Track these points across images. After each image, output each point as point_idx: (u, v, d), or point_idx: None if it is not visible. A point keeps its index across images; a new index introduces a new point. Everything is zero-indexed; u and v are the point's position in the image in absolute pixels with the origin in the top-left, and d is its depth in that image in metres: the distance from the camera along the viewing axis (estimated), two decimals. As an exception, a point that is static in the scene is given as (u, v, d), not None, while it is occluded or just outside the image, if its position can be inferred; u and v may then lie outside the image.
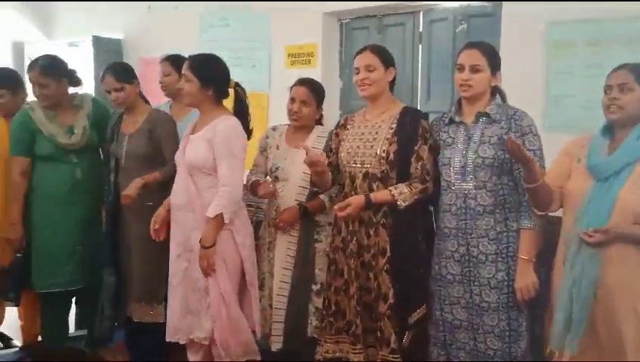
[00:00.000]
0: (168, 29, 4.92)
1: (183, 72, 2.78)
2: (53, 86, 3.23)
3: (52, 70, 3.23)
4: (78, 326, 3.70)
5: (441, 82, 3.87)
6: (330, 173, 2.73)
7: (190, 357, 2.93)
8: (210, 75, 2.75)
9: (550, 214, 2.43)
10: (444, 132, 2.58)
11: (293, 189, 2.96)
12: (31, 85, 3.28)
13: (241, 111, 2.89)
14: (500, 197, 2.45)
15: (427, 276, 2.61)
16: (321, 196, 2.94)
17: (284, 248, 2.96)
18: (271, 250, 3.00)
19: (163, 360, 3.15)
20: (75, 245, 3.30)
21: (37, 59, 3.28)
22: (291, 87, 3.05)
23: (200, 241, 2.69)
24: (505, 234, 2.45)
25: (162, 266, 2.95)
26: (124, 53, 5.23)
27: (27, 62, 5.51)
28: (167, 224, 2.88)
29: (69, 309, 3.54)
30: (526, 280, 2.41)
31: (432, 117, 2.79)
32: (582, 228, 2.19)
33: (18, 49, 5.69)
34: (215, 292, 2.74)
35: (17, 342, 3.74)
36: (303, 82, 3.03)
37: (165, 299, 3.02)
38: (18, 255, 3.27)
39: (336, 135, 2.82)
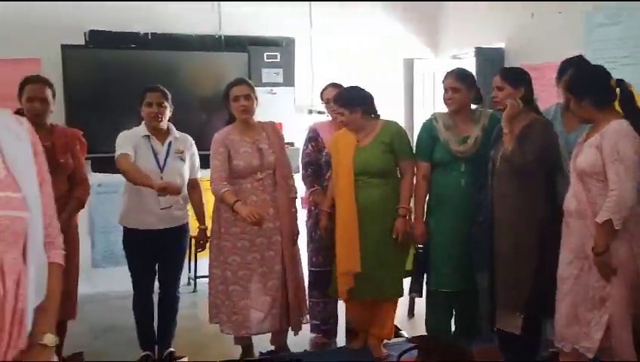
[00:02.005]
0: (550, 32, 4.79)
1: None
2: (463, 92, 3.47)
3: (464, 78, 3.50)
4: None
5: None
6: None
7: None
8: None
9: None
10: None
11: None
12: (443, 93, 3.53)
13: (630, 111, 2.73)
14: None
15: None
16: None
17: None
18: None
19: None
20: (452, 249, 3.48)
21: (454, 69, 3.59)
22: None
23: (592, 249, 2.67)
24: None
25: (527, 276, 2.98)
26: (505, 61, 5.28)
27: (416, 78, 6.06)
28: None
29: (452, 310, 3.69)
30: None
31: None
32: None
33: (408, 65, 6.22)
34: (613, 302, 2.66)
35: (405, 333, 4.11)
36: None
37: (528, 311, 3.07)
38: (420, 250, 3.62)
39: None
